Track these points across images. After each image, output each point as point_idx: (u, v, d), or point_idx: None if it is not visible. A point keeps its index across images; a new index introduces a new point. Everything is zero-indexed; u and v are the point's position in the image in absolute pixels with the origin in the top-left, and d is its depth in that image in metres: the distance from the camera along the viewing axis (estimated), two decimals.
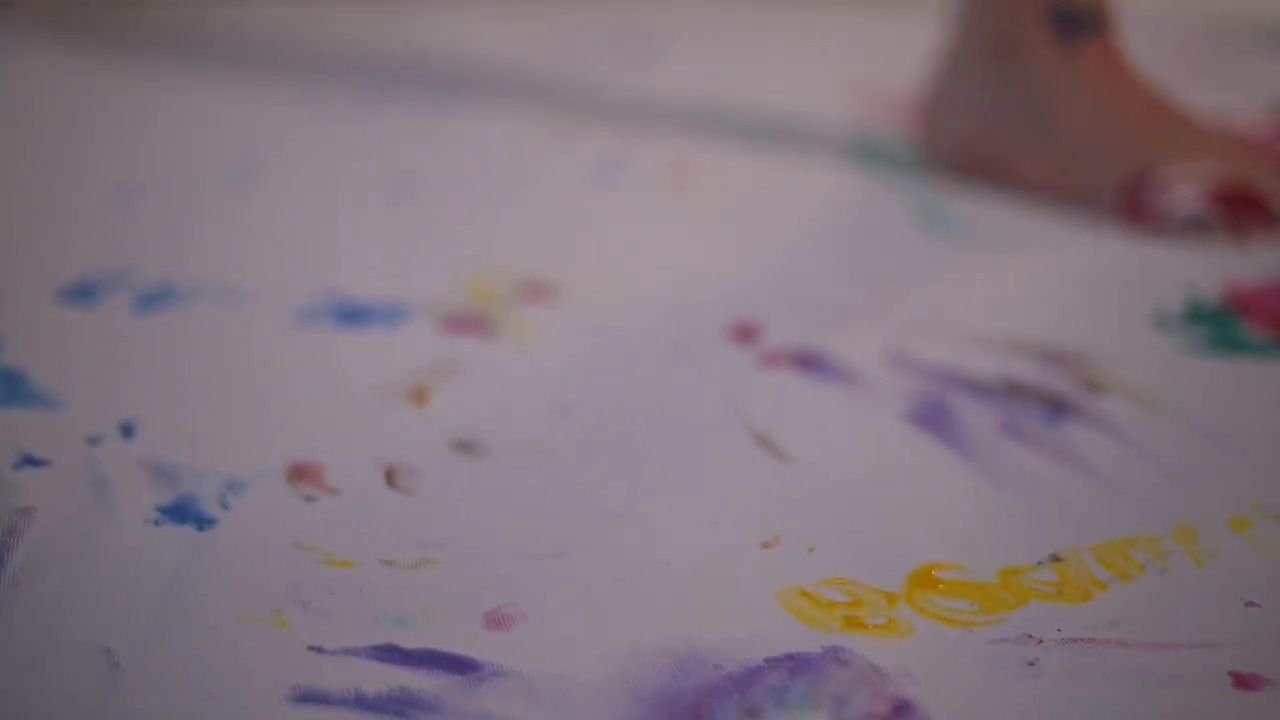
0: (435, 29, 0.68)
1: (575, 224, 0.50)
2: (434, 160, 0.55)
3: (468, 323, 0.43)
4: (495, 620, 0.31)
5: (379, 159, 0.55)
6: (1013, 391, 0.40)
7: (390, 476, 0.36)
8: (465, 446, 0.37)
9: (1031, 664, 0.30)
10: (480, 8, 0.70)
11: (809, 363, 0.41)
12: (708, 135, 0.58)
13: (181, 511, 0.34)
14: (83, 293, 0.44)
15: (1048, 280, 0.47)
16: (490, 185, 0.53)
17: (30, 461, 0.36)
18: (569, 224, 0.50)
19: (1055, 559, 0.33)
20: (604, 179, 0.54)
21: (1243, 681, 0.30)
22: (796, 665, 0.30)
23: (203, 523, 0.34)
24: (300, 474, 0.36)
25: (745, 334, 0.43)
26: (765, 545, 0.34)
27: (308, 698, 0.29)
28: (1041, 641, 0.31)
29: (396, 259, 0.47)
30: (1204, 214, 0.48)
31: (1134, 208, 0.49)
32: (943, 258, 0.48)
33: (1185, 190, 0.48)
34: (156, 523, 0.34)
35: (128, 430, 0.37)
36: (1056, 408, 0.39)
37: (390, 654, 0.30)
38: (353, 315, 0.43)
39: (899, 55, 0.64)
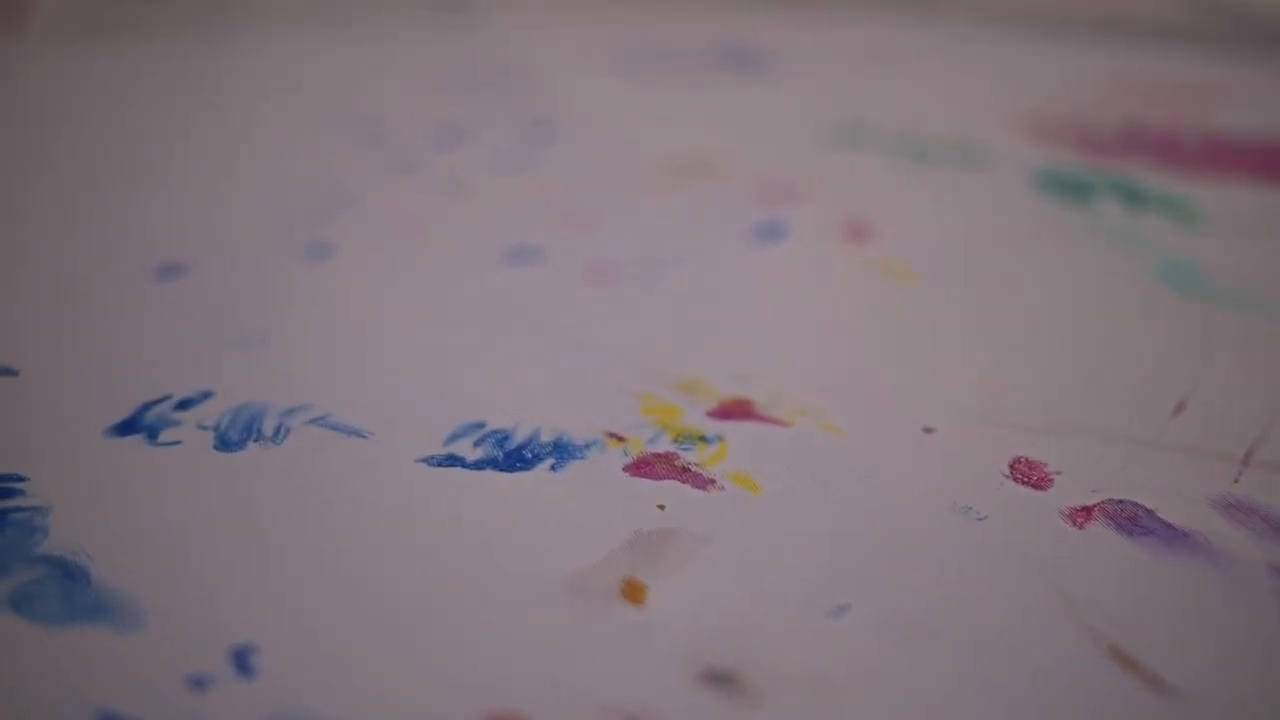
0: (517, 51, 0.57)
1: (752, 306, 0.40)
2: (543, 220, 0.44)
3: (660, 467, 0.32)
4: None
5: (484, 223, 0.44)
6: None
7: None
8: (719, 680, 0.27)
9: None
10: (565, 29, 0.59)
11: (1127, 519, 0.31)
12: (872, 176, 0.48)
13: None
14: (142, 427, 0.34)
15: None
16: (621, 256, 0.42)
17: None
18: (745, 307, 0.40)
19: None
20: (766, 238, 0.43)
21: None
22: None
23: None
24: None
25: (1033, 475, 0.32)
26: None
27: None
28: None
29: (540, 369, 0.36)
30: None
31: None
32: (1214, 337, 0.38)
33: None
34: None
35: (243, 662, 0.27)
36: None
37: None
38: (508, 460, 0.33)
39: (1055, 79, 0.54)
